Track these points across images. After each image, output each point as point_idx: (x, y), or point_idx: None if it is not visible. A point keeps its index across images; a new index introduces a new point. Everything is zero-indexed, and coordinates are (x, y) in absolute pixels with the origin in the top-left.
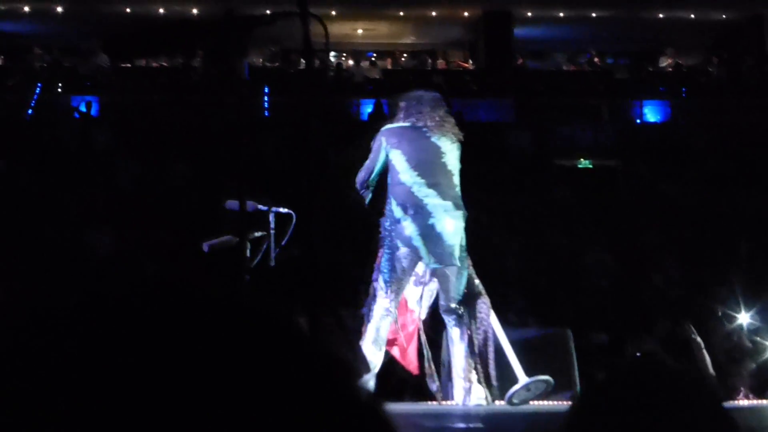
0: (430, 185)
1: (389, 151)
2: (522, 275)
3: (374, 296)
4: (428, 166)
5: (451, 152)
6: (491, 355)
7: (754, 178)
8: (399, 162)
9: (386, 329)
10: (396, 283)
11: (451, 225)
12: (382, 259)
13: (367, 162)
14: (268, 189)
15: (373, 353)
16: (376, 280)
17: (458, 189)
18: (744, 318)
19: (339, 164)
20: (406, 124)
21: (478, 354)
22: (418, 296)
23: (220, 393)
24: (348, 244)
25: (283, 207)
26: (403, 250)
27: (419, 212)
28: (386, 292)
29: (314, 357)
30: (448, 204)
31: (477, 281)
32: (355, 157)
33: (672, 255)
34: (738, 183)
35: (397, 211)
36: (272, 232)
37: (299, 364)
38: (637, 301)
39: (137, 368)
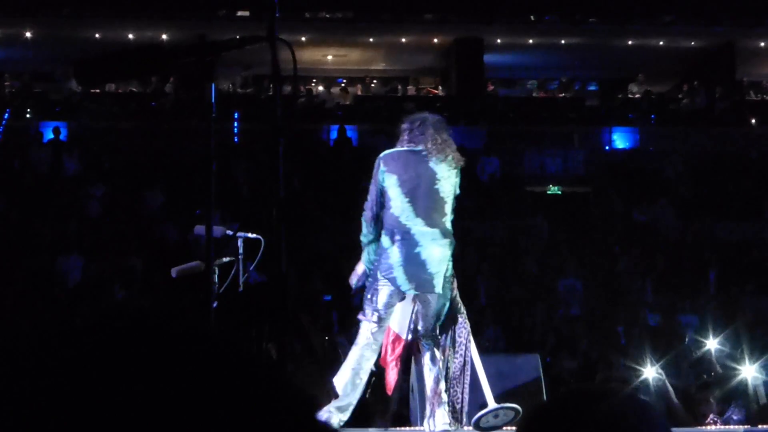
0: (419, 213)
1: (385, 177)
2: (493, 301)
3: (360, 326)
4: (420, 193)
5: (447, 178)
6: (467, 380)
7: (724, 205)
8: (392, 188)
9: (370, 358)
10: (380, 311)
11: (437, 252)
12: (367, 288)
13: (369, 194)
14: (238, 215)
15: (352, 381)
16: (362, 308)
17: (449, 217)
18: (712, 344)
19: (309, 189)
20: (406, 148)
21: (453, 378)
22: (407, 319)
23: (178, 425)
24: (318, 271)
25: (252, 233)
26: (382, 281)
27: (405, 239)
28: (370, 321)
29: (274, 390)
30: (435, 232)
31: (462, 307)
32: (326, 181)
33: (643, 281)
34: (707, 210)
35: (385, 240)
36: (241, 257)
37: (258, 397)
38: (608, 328)
39: (102, 400)
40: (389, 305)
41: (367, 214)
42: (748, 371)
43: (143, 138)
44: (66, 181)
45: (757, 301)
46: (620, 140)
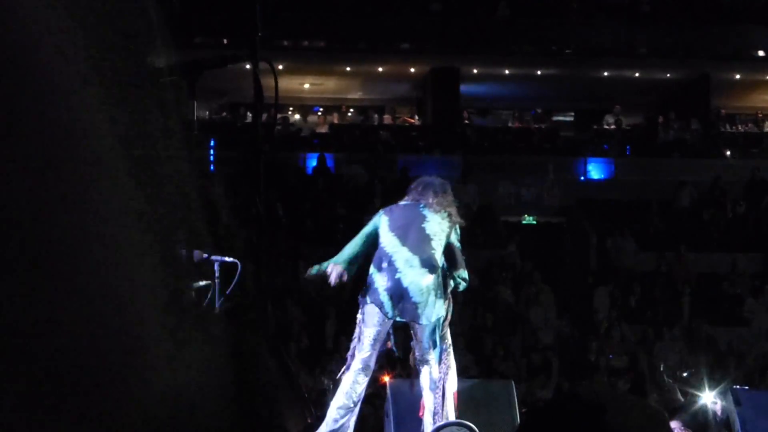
0: (404, 243)
1: (380, 220)
2: (467, 328)
3: (352, 353)
4: (407, 228)
5: (435, 223)
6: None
7: (698, 237)
8: (383, 227)
9: (362, 382)
10: (369, 336)
11: (419, 280)
12: (358, 316)
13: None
14: (215, 239)
15: (346, 405)
16: (355, 336)
17: (435, 252)
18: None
19: (286, 217)
20: (406, 201)
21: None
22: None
23: None
24: (296, 296)
25: (228, 257)
26: (369, 306)
27: (390, 265)
28: (360, 347)
29: None
30: (417, 259)
31: (449, 339)
32: (303, 209)
33: (615, 311)
34: (681, 241)
35: (372, 270)
36: (217, 281)
37: None
38: (581, 357)
39: None
40: (379, 331)
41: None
42: (708, 398)
43: None
44: None
45: (730, 331)
46: (595, 171)
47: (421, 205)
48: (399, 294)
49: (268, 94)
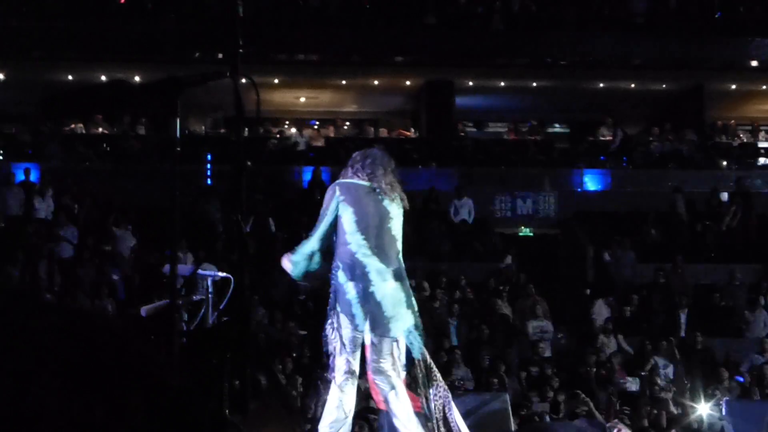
0: (373, 251)
1: (340, 206)
2: (463, 341)
3: (332, 363)
4: (374, 230)
5: (397, 217)
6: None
7: (694, 249)
8: (348, 221)
9: (350, 392)
10: (345, 347)
11: (391, 292)
12: (329, 325)
13: (319, 220)
14: (209, 254)
15: (338, 418)
16: (329, 345)
17: (401, 255)
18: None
19: (281, 231)
20: (363, 183)
21: (441, 419)
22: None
23: None
24: (291, 309)
25: (222, 271)
26: (342, 318)
27: (362, 275)
28: (341, 356)
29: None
30: (389, 271)
31: (437, 374)
32: (300, 224)
33: (613, 323)
34: (677, 252)
35: (341, 276)
36: (210, 296)
37: None
38: (578, 370)
39: None
40: (354, 340)
41: (311, 240)
42: (703, 409)
43: (114, 179)
44: (37, 223)
45: (729, 343)
46: (591, 182)
47: (378, 191)
48: (371, 306)
49: (266, 108)
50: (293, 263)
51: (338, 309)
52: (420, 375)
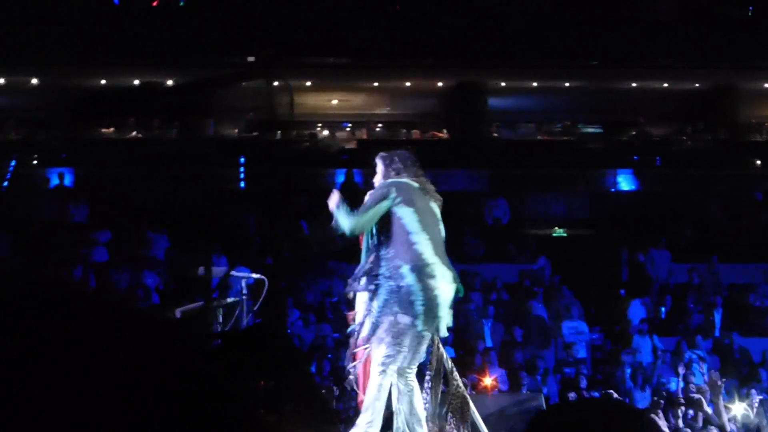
0: (436, 252)
1: (398, 206)
2: (498, 343)
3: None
4: (434, 231)
5: (442, 220)
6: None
7: (729, 248)
8: (411, 221)
9: (419, 402)
10: (404, 352)
11: (448, 295)
12: (386, 328)
13: (366, 214)
14: (243, 256)
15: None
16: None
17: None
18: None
19: (314, 233)
20: (413, 183)
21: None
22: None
23: None
24: (323, 311)
25: (256, 274)
26: (401, 317)
27: (431, 277)
28: (390, 367)
29: None
30: (450, 275)
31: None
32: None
33: (648, 323)
34: (712, 252)
35: (408, 276)
36: (245, 297)
37: None
38: (613, 369)
39: None
40: (416, 347)
41: (348, 227)
42: (738, 409)
43: (147, 183)
44: (72, 227)
45: (764, 342)
46: (625, 183)
47: (425, 191)
48: (435, 308)
49: (298, 111)
50: (339, 205)
51: (395, 309)
52: (432, 372)
